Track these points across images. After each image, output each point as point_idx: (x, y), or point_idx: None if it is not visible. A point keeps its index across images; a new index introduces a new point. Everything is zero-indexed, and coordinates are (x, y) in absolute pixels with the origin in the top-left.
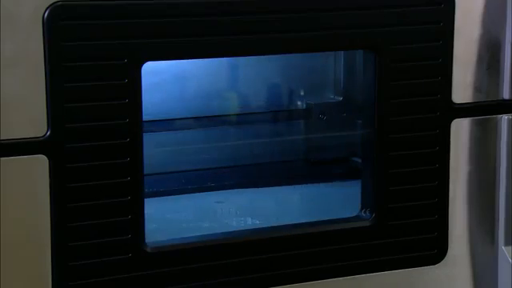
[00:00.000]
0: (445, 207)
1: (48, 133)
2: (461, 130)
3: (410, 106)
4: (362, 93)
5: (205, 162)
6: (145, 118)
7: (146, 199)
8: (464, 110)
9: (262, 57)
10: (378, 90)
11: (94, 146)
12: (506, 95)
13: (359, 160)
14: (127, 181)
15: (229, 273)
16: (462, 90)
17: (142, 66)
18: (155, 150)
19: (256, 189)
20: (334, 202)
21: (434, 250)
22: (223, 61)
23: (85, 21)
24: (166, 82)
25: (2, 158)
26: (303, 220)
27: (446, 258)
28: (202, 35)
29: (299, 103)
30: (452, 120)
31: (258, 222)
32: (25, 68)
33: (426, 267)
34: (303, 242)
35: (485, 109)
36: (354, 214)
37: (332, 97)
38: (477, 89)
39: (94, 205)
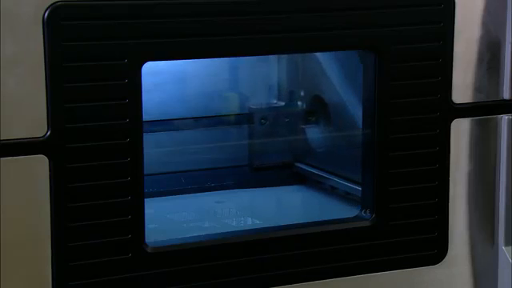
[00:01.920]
0: (445, 207)
1: (48, 133)
2: (461, 130)
3: (410, 106)
4: (363, 93)
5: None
6: None
7: (145, 199)
8: (464, 110)
9: (203, 61)
10: (378, 90)
11: (94, 146)
12: (506, 95)
13: (303, 166)
14: (127, 181)
15: (229, 273)
16: (463, 90)
17: (142, 66)
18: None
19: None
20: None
21: (434, 250)
22: (169, 64)
23: (85, 21)
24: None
25: (2, 158)
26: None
27: (446, 258)
28: (202, 35)
29: (241, 108)
30: (452, 120)
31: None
32: (25, 68)
33: (426, 267)
34: (303, 242)
35: (485, 109)
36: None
37: (275, 101)
38: (477, 89)
39: (93, 205)
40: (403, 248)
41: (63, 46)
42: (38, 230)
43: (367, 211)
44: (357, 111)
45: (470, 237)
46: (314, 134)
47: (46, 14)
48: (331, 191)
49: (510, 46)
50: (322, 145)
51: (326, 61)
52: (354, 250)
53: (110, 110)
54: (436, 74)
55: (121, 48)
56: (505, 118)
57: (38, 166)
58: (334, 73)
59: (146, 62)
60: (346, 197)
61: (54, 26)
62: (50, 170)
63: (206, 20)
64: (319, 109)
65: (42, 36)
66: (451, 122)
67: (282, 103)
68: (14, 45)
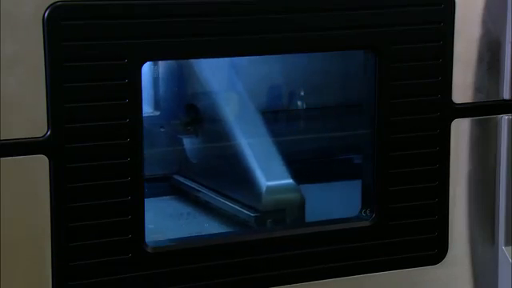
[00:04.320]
0: (445, 207)
1: (48, 133)
2: (461, 130)
3: (410, 106)
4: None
5: None
6: None
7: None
8: (464, 110)
9: None
10: (379, 90)
11: (94, 146)
12: (506, 95)
13: (180, 178)
14: (127, 181)
15: (229, 273)
16: (463, 90)
17: (142, 66)
18: None
19: None
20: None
21: (434, 250)
22: None
23: (85, 21)
24: None
25: (2, 158)
26: None
27: (446, 258)
28: (202, 35)
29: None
30: (452, 120)
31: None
32: (25, 68)
33: (426, 267)
34: (303, 242)
35: (485, 109)
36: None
37: (150, 111)
38: (477, 89)
39: (94, 205)
40: (403, 248)
41: (63, 46)
42: (37, 230)
43: (367, 211)
44: (231, 123)
45: (470, 237)
46: (191, 145)
47: (46, 14)
48: (205, 205)
49: (510, 45)
50: (197, 157)
51: (201, 69)
52: (354, 250)
53: (110, 110)
54: (436, 74)
55: (121, 48)
56: (505, 117)
57: (38, 166)
58: (209, 82)
59: (146, 61)
60: (219, 212)
61: (54, 26)
62: (49, 170)
63: (206, 20)
64: (195, 119)
65: (42, 36)
66: (451, 122)
67: (158, 113)
68: (13, 45)
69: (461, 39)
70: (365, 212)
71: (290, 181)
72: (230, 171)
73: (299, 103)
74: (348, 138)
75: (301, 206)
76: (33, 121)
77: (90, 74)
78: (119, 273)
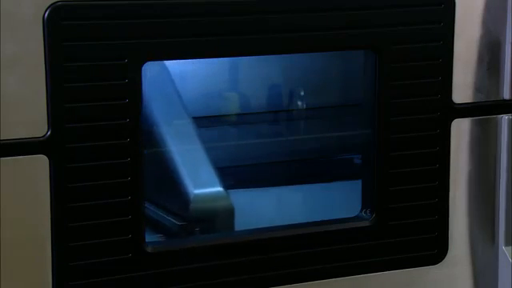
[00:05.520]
0: (445, 207)
1: (48, 133)
2: (461, 130)
3: (410, 106)
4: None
5: None
6: None
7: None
8: (464, 110)
9: None
10: (378, 90)
11: (94, 146)
12: (506, 95)
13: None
14: (127, 181)
15: (229, 273)
16: (463, 90)
17: (142, 66)
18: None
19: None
20: None
21: (434, 250)
22: None
23: (85, 21)
24: None
25: (2, 158)
26: None
27: (446, 258)
28: (202, 35)
29: None
30: (452, 120)
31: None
32: (25, 68)
33: (425, 267)
34: (303, 241)
35: (485, 109)
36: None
37: None
38: (477, 89)
39: (94, 205)
40: (403, 248)
41: (63, 45)
42: (38, 230)
43: (367, 211)
44: (163, 129)
45: (470, 237)
46: None
47: (46, 14)
48: None
49: (510, 45)
50: None
51: None
52: (354, 249)
53: (110, 110)
54: (436, 74)
55: (121, 48)
56: (505, 117)
57: (38, 165)
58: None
59: (146, 62)
60: (148, 220)
61: (54, 26)
62: (50, 170)
63: (205, 20)
64: None
65: (42, 36)
66: (451, 122)
67: None
68: (14, 45)
69: (461, 39)
70: (365, 212)
71: (219, 189)
72: (160, 178)
73: (299, 103)
74: (348, 138)
75: (230, 214)
76: (33, 121)
77: (90, 74)
78: (119, 273)
